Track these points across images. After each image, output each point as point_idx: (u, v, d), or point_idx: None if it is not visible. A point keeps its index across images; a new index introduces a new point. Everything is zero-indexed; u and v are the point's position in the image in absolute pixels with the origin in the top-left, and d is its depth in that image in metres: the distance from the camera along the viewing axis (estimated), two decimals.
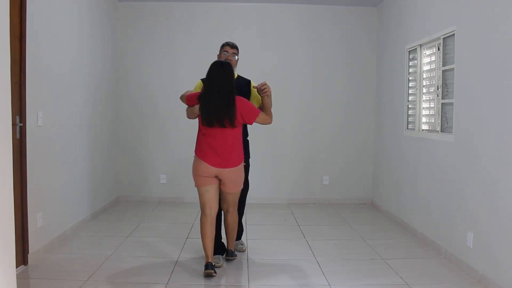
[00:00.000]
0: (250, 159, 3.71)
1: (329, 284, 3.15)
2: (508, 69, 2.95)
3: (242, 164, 3.30)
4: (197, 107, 3.18)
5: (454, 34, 3.72)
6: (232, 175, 3.22)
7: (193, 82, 5.80)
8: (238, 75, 3.61)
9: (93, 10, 4.88)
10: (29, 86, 3.38)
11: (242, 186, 3.39)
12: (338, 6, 5.84)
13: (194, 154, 3.35)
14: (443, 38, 3.94)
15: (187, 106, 3.30)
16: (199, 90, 3.37)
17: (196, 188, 3.39)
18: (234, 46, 3.60)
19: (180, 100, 3.39)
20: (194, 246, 4.01)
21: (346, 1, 5.69)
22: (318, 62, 5.90)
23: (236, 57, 3.59)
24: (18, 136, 3.25)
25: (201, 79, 3.53)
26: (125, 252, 3.77)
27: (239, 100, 3.16)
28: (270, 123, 3.33)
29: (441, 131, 3.99)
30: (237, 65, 3.64)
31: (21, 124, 3.28)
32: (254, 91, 3.54)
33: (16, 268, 3.04)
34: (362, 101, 5.95)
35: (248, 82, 3.61)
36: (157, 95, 5.87)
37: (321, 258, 3.69)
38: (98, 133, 5.06)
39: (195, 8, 5.81)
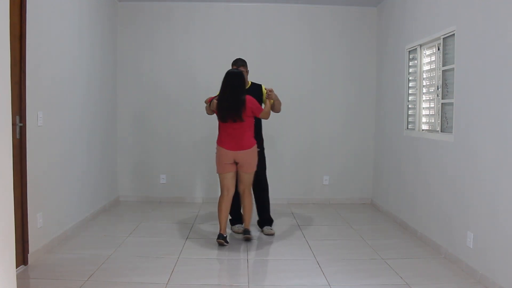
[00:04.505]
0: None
1: (329, 284, 3.15)
2: (508, 69, 2.95)
3: (255, 147, 4.07)
4: (213, 103, 4.05)
5: (454, 34, 3.72)
6: (247, 157, 4.00)
7: (193, 82, 5.83)
8: (251, 82, 4.43)
9: (93, 10, 4.88)
10: (29, 86, 3.37)
11: (255, 168, 4.13)
12: (338, 6, 5.84)
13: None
14: (443, 38, 3.94)
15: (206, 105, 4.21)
16: None
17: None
18: (239, 64, 4.31)
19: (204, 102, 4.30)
20: (194, 246, 4.01)
21: (346, 1, 5.69)
22: (318, 62, 5.90)
23: (244, 72, 4.23)
24: (18, 136, 3.25)
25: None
26: (125, 252, 3.77)
27: (250, 99, 4.01)
28: (266, 118, 4.20)
29: (441, 131, 3.99)
30: (248, 73, 4.43)
31: (21, 124, 3.28)
32: (264, 90, 4.37)
33: (16, 268, 3.04)
34: (362, 101, 5.95)
35: (260, 86, 4.44)
36: (157, 95, 5.86)
37: (321, 258, 3.69)
38: (98, 133, 5.06)
39: (195, 8, 5.81)
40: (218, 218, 4.05)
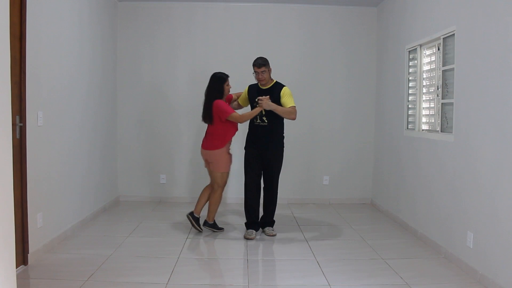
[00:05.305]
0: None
1: (329, 284, 3.15)
2: (508, 69, 2.95)
3: (216, 150, 4.22)
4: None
5: (454, 34, 3.72)
6: (209, 156, 4.27)
7: (193, 82, 5.83)
8: (276, 82, 4.34)
9: (93, 10, 4.88)
10: (29, 86, 3.38)
11: (221, 170, 4.25)
12: (338, 6, 5.84)
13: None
14: (443, 38, 3.94)
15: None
16: (245, 95, 4.45)
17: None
18: (260, 65, 4.20)
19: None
20: (194, 246, 4.01)
21: (346, 1, 5.69)
22: (318, 62, 5.90)
23: (265, 72, 4.22)
24: (18, 136, 3.25)
25: (249, 85, 4.44)
26: (125, 252, 3.77)
27: (215, 103, 4.16)
28: (240, 122, 4.23)
29: (441, 131, 3.99)
30: (271, 70, 4.36)
31: (21, 124, 3.28)
32: (282, 93, 4.22)
33: (16, 268, 3.05)
34: (362, 101, 5.95)
35: (281, 87, 4.27)
36: (157, 95, 5.86)
37: (321, 258, 3.69)
38: (98, 133, 5.06)
39: (195, 8, 5.80)
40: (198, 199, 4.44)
